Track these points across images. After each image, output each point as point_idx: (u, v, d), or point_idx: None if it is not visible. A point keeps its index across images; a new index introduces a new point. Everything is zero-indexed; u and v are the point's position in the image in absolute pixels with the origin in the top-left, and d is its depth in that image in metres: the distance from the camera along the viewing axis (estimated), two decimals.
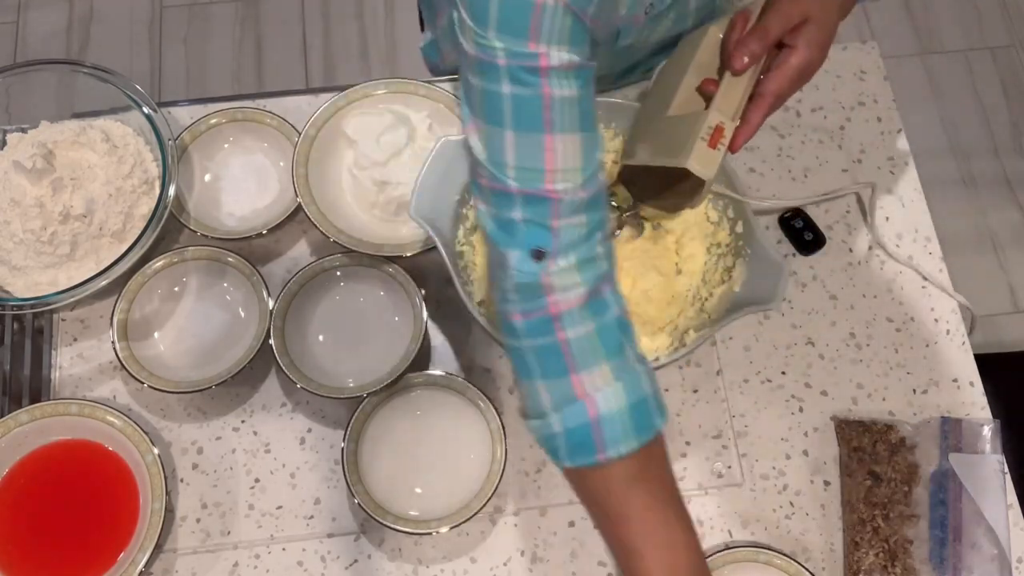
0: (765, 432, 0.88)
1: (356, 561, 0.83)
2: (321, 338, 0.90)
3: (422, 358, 0.88)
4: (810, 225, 0.95)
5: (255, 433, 0.88)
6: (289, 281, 0.88)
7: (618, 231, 0.88)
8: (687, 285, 0.87)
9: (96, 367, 0.90)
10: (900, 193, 0.98)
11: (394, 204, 0.93)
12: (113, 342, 0.86)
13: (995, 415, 0.89)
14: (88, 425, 0.84)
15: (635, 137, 0.83)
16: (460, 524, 0.80)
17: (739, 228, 0.83)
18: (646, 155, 0.77)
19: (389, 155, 0.93)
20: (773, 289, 0.77)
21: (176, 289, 0.91)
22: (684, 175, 0.72)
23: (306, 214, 0.89)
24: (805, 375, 0.91)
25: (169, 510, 0.82)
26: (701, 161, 0.71)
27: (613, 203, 0.88)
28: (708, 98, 0.74)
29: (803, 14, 0.70)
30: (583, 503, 0.68)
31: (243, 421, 0.88)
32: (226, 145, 0.97)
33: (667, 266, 0.88)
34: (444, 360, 0.91)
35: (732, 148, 0.73)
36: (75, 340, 0.91)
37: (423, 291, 0.87)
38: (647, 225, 0.89)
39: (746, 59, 0.70)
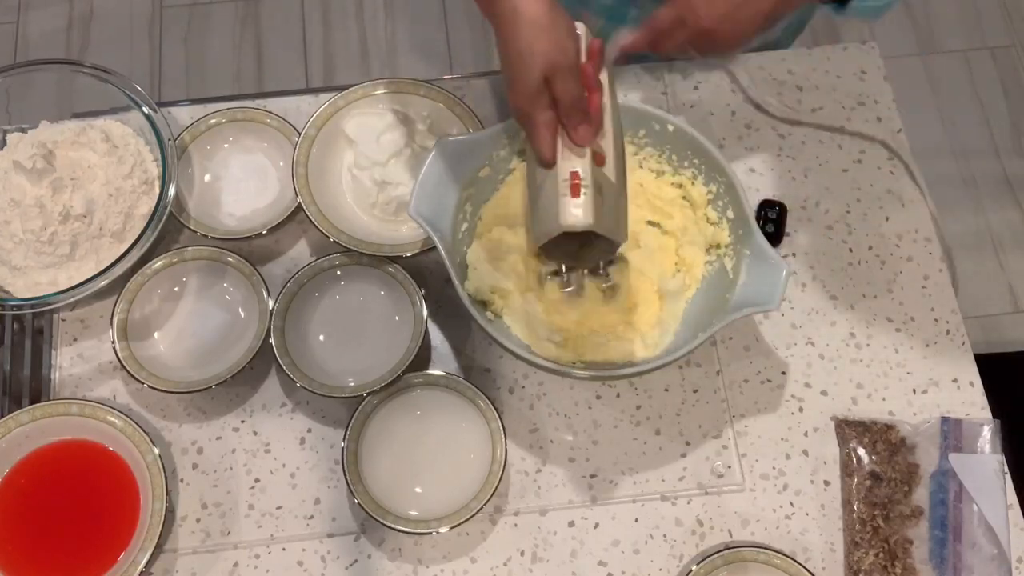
0: (765, 432, 0.88)
1: (356, 561, 0.83)
2: (321, 338, 0.90)
3: (422, 358, 0.88)
4: (778, 220, 0.95)
5: (255, 433, 0.88)
6: (289, 281, 0.88)
7: (570, 287, 0.85)
8: (686, 285, 0.87)
9: (96, 367, 0.90)
10: (900, 193, 0.98)
11: (394, 204, 0.93)
12: (113, 342, 0.86)
13: (995, 415, 0.89)
14: (88, 425, 0.84)
15: (529, 219, 0.79)
16: (460, 524, 0.80)
17: (739, 229, 0.83)
18: (540, 234, 0.74)
19: (389, 155, 0.93)
20: (773, 289, 0.77)
21: (176, 289, 0.91)
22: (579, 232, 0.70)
23: (306, 214, 0.89)
24: (805, 375, 0.91)
25: (169, 510, 0.82)
26: (571, 216, 0.68)
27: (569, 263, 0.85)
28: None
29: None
30: None
31: (243, 421, 0.88)
32: (226, 145, 0.97)
33: (667, 266, 0.88)
34: (444, 360, 0.91)
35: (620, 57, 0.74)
36: (75, 340, 0.91)
37: (423, 291, 0.87)
38: (655, 230, 0.88)
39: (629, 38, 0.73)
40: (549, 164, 0.70)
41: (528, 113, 0.70)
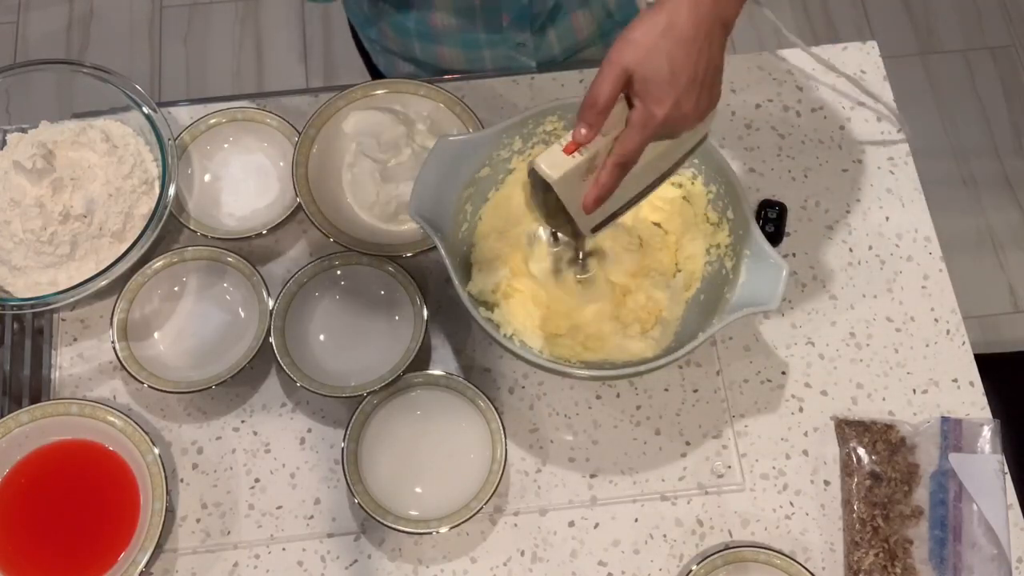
0: (765, 432, 0.88)
1: (356, 561, 0.83)
2: (321, 338, 0.90)
3: (422, 358, 0.88)
4: (778, 220, 0.95)
5: (255, 433, 0.88)
6: (289, 281, 0.88)
7: (585, 275, 0.86)
8: (687, 285, 0.87)
9: (96, 367, 0.90)
10: (900, 193, 0.98)
11: (394, 204, 0.93)
12: (113, 342, 0.86)
13: (995, 415, 0.89)
14: (88, 425, 0.84)
15: None
16: (460, 524, 0.80)
17: (739, 229, 0.83)
18: (533, 164, 0.73)
19: (389, 155, 0.93)
20: (773, 289, 0.77)
21: (176, 289, 0.91)
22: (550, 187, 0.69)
23: (306, 214, 0.89)
24: (805, 375, 0.91)
25: (169, 510, 0.82)
26: (550, 161, 0.68)
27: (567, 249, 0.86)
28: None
29: (623, 70, 0.66)
30: None
31: (243, 421, 0.88)
32: (226, 145, 0.97)
33: (667, 266, 0.88)
34: (444, 360, 0.91)
35: (585, 207, 0.70)
36: (75, 340, 0.91)
37: (423, 291, 0.87)
38: (657, 230, 0.88)
39: (583, 131, 0.68)
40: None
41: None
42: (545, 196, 0.74)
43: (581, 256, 0.86)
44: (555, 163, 0.69)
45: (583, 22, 1.05)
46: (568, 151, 0.68)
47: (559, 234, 0.85)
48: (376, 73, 1.20)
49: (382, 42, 1.09)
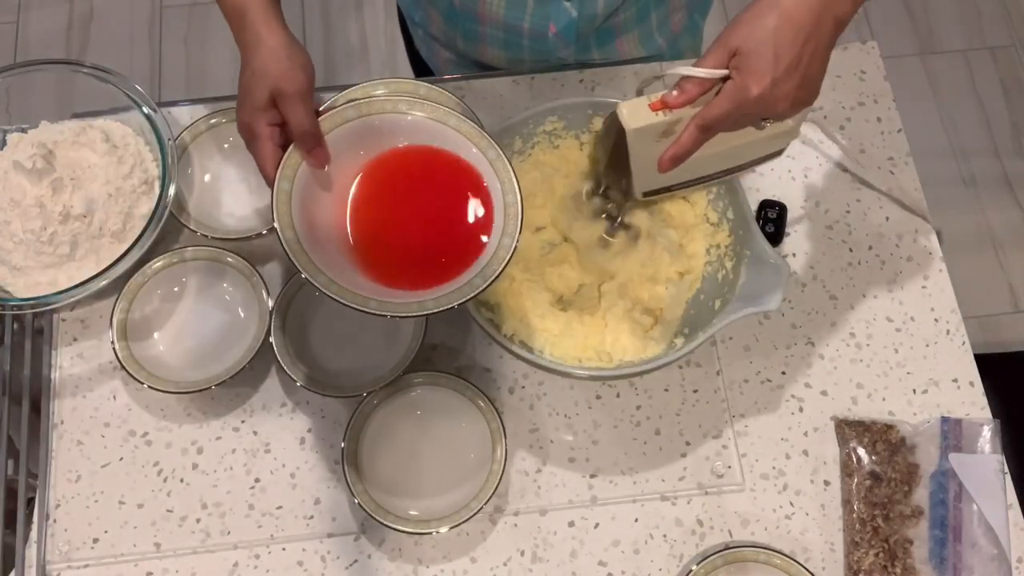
0: (765, 432, 0.88)
1: (356, 561, 0.83)
2: (321, 338, 0.90)
3: (422, 358, 0.88)
4: (779, 220, 0.95)
5: (255, 433, 0.88)
6: (289, 281, 0.88)
7: (611, 239, 0.87)
8: (687, 285, 0.87)
9: (96, 367, 0.90)
10: (900, 193, 0.98)
11: None
12: (113, 342, 0.86)
13: (995, 415, 0.89)
14: (467, 146, 0.76)
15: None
16: (460, 524, 0.80)
17: (739, 229, 0.83)
18: (613, 113, 0.73)
19: None
20: (773, 290, 0.77)
21: (176, 289, 0.91)
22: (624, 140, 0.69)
23: None
24: (805, 375, 0.91)
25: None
26: (632, 110, 0.68)
27: (608, 210, 0.87)
28: None
29: (729, 49, 0.67)
30: None
31: (243, 421, 0.88)
32: (226, 145, 0.97)
33: (669, 265, 0.88)
34: (444, 360, 0.91)
35: (660, 164, 0.71)
36: (75, 340, 0.91)
37: None
38: (643, 229, 0.88)
39: (675, 93, 0.69)
40: (268, 179, 0.72)
41: (249, 126, 0.72)
42: (615, 143, 0.73)
43: (619, 221, 0.86)
44: (636, 114, 0.68)
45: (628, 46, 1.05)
46: (654, 108, 0.68)
47: (605, 195, 0.85)
48: (417, 60, 1.20)
49: (426, 26, 1.09)
